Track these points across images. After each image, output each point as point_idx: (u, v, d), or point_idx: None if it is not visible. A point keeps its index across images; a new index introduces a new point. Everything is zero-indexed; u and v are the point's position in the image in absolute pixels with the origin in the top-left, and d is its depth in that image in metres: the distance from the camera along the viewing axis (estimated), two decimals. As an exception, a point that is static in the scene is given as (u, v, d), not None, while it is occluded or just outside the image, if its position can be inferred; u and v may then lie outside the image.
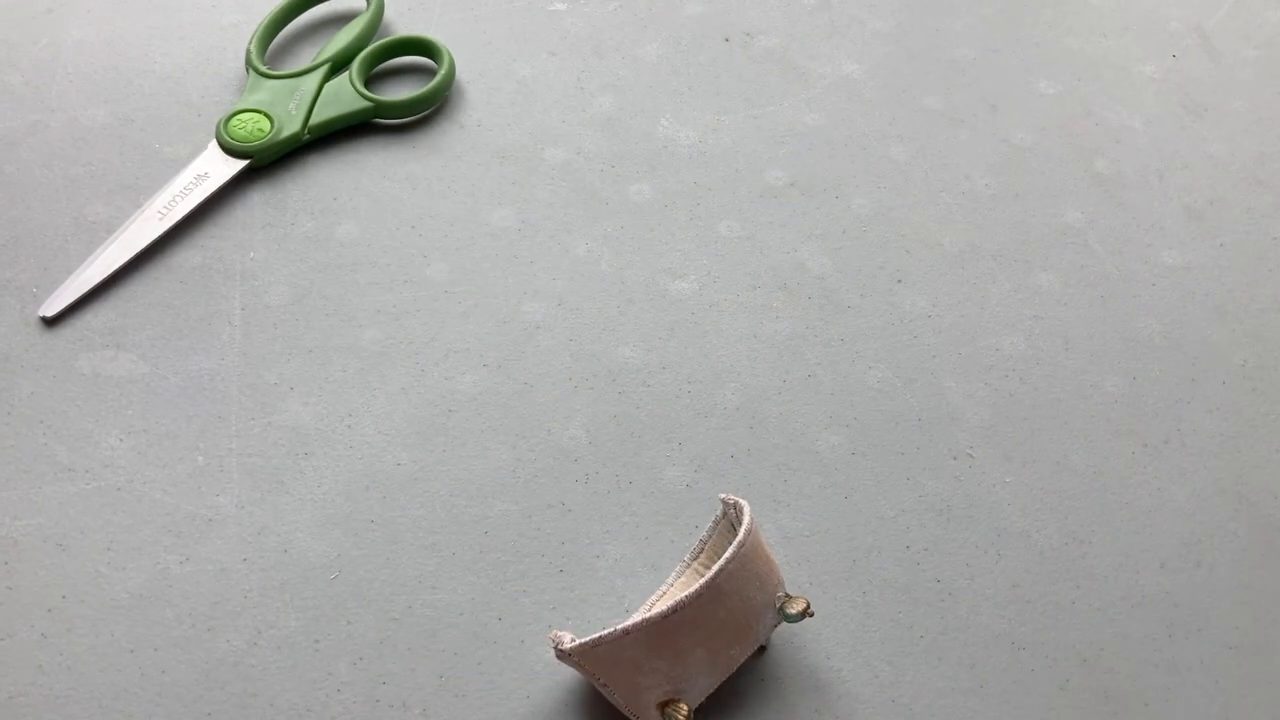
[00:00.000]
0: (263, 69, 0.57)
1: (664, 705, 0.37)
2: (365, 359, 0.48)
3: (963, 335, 0.50)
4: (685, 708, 0.37)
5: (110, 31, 0.60)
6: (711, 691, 0.38)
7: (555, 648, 0.37)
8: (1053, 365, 0.49)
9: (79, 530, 0.43)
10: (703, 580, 0.36)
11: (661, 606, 0.37)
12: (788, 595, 0.39)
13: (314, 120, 0.55)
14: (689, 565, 0.41)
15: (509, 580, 0.43)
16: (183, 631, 0.41)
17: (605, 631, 0.36)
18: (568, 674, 0.41)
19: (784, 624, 0.40)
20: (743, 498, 0.43)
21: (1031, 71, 0.61)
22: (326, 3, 0.62)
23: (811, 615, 0.39)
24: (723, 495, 0.40)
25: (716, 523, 0.40)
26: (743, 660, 0.39)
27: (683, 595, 0.36)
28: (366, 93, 0.56)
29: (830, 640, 0.42)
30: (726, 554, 0.37)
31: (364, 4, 0.61)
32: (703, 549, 0.41)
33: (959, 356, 0.49)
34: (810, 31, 0.62)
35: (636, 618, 0.38)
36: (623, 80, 0.59)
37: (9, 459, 0.45)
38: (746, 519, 0.38)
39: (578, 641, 0.36)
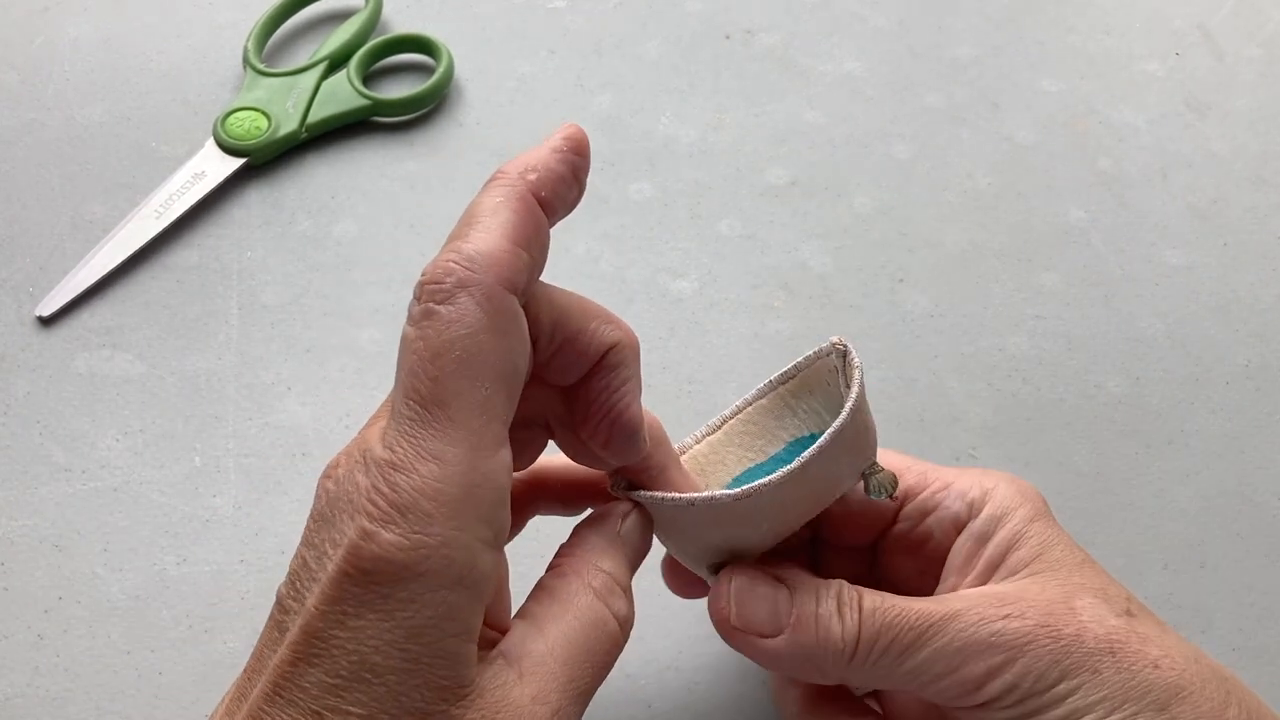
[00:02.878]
0: (260, 67, 0.57)
1: (715, 567, 0.34)
2: (363, 359, 0.48)
3: (965, 335, 0.50)
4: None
5: (107, 30, 0.60)
6: (767, 549, 0.35)
7: (611, 486, 0.34)
8: (1055, 365, 0.49)
9: (75, 531, 0.43)
10: (790, 467, 0.32)
11: (723, 438, 0.34)
12: (877, 465, 0.34)
13: (311, 118, 0.55)
14: (775, 388, 0.36)
15: (509, 580, 0.42)
16: (179, 633, 0.41)
17: (672, 495, 0.33)
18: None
19: None
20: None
21: (1034, 69, 0.61)
22: (324, 0, 0.61)
23: (894, 499, 0.35)
24: (834, 338, 0.34)
25: (818, 356, 0.35)
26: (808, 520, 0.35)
27: (763, 482, 0.32)
28: (364, 91, 0.56)
29: (831, 642, 0.41)
30: (824, 438, 0.32)
31: (362, 1, 0.61)
32: (795, 374, 0.36)
33: (961, 356, 0.49)
34: (811, 29, 0.62)
35: (698, 444, 0.36)
36: (623, 78, 0.59)
37: (5, 459, 0.45)
38: (856, 389, 0.33)
39: (644, 493, 0.33)
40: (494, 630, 0.30)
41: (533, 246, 0.28)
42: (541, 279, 0.30)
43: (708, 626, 0.41)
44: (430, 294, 0.27)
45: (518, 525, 0.36)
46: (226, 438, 0.45)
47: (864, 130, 0.57)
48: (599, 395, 0.31)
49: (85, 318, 0.49)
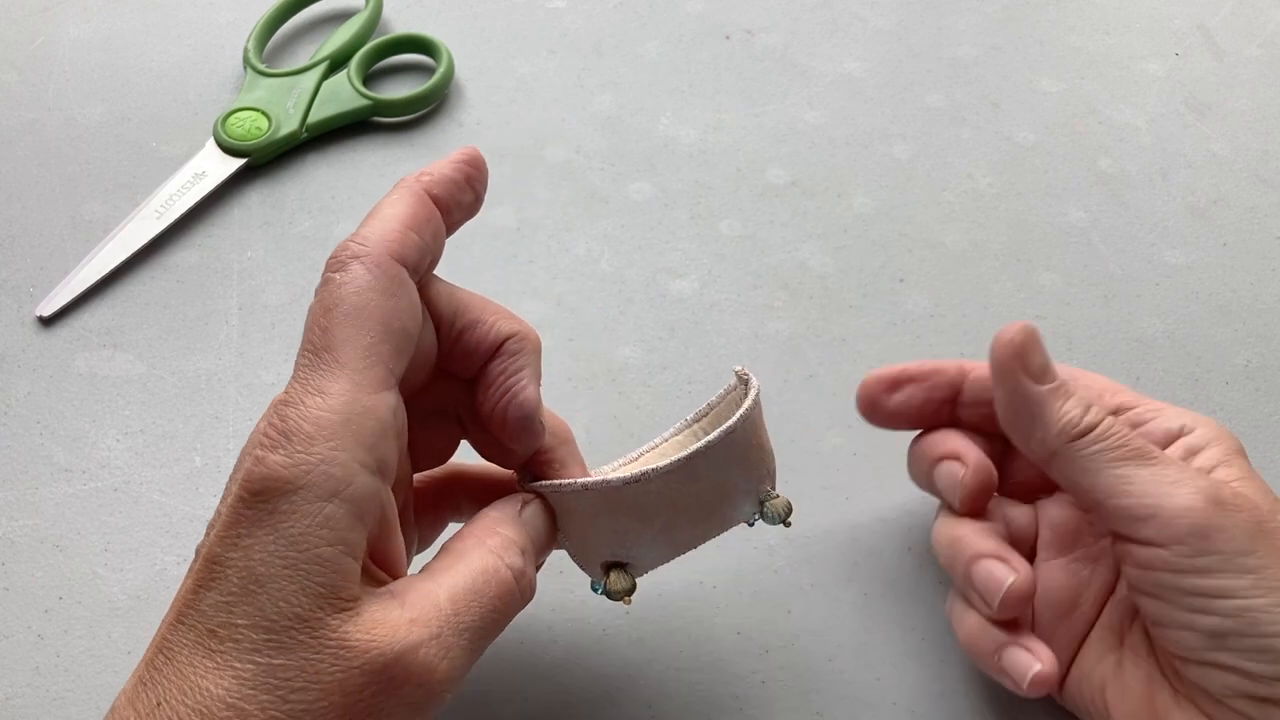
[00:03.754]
0: (260, 67, 0.57)
1: (609, 566, 0.35)
2: (364, 359, 0.48)
3: (965, 335, 0.50)
4: (629, 575, 0.35)
5: (107, 30, 0.60)
6: (664, 564, 0.36)
7: (519, 482, 0.36)
8: (1055, 365, 0.49)
9: (76, 531, 0.43)
10: (677, 456, 0.34)
11: (638, 466, 0.35)
12: (773, 492, 0.36)
13: (312, 119, 0.55)
14: (689, 425, 0.38)
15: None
16: (180, 633, 0.41)
17: (567, 481, 0.34)
18: (567, 677, 0.40)
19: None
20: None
21: (1034, 69, 0.61)
22: (324, 0, 0.61)
23: (789, 525, 0.36)
24: (737, 368, 0.36)
25: (728, 391, 0.37)
26: (707, 541, 0.36)
27: (650, 467, 0.34)
28: (365, 91, 0.56)
29: (832, 642, 0.41)
30: (712, 435, 0.34)
31: (362, 1, 0.61)
32: (708, 412, 0.38)
33: (961, 356, 0.49)
34: (811, 29, 0.62)
35: (614, 470, 0.37)
36: (623, 78, 0.59)
37: (6, 459, 0.45)
38: (748, 402, 0.35)
39: (543, 482, 0.35)
40: (388, 575, 0.31)
41: (424, 230, 0.32)
42: (467, 285, 0.34)
43: (708, 627, 0.42)
44: (329, 266, 0.31)
45: (435, 526, 0.38)
46: (226, 438, 0.45)
47: (864, 130, 0.57)
48: (496, 378, 0.34)
49: (85, 318, 0.49)
